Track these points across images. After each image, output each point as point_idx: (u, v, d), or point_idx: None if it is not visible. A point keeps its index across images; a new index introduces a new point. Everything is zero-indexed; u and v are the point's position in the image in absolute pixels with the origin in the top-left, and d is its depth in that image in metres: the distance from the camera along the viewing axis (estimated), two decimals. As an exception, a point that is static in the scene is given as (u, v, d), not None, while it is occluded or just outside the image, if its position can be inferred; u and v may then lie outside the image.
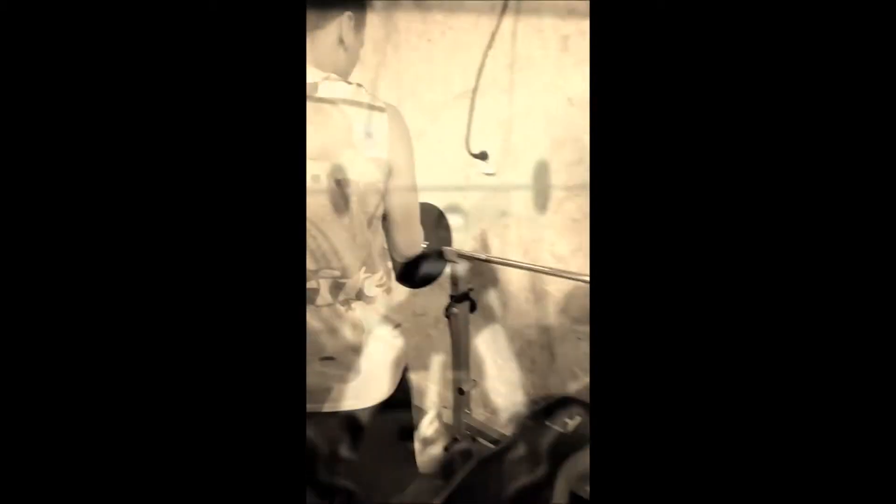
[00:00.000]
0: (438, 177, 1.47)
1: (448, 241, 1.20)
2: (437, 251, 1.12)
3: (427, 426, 1.44)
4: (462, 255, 1.10)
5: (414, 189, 0.75)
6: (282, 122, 0.35)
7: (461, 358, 1.18)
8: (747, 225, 0.30)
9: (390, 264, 0.84)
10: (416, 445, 1.42)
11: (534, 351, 1.39)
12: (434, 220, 1.18)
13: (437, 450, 1.40)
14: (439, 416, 1.51)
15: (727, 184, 0.30)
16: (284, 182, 0.35)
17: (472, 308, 1.18)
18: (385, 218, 0.74)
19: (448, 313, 1.16)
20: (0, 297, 0.29)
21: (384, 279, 0.76)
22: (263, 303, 0.34)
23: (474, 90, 1.16)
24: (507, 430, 1.55)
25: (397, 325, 0.81)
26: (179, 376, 0.33)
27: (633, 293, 0.32)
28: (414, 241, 0.81)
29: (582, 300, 1.19)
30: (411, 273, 1.13)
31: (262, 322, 0.34)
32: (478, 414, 1.64)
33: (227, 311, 0.34)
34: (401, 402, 0.91)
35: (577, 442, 0.92)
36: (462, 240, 1.44)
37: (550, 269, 0.94)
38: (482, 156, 1.26)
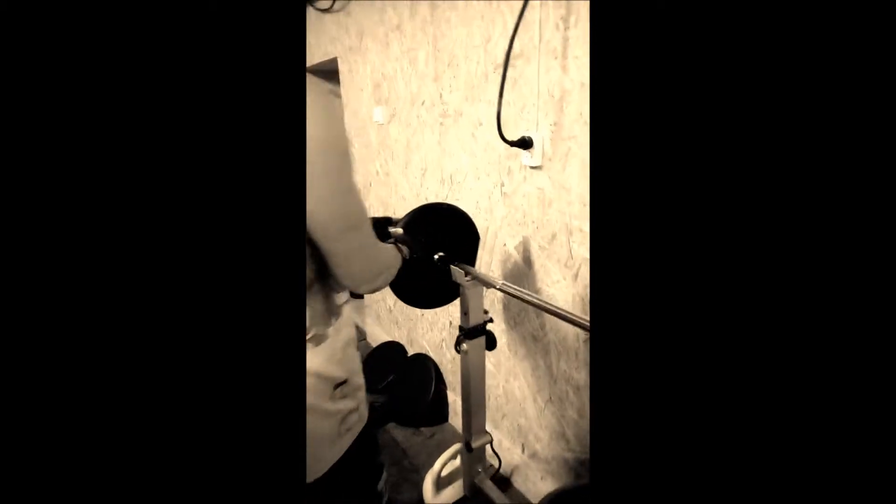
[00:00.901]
0: (471, 170, 1.19)
1: (471, 254, 0.93)
2: (446, 267, 0.87)
3: (442, 465, 1.22)
4: (475, 276, 0.83)
5: (349, 197, 0.50)
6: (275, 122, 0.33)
7: (471, 407, 0.93)
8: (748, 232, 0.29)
9: (341, 300, 0.61)
10: (429, 486, 1.22)
11: (583, 398, 1.07)
12: (458, 226, 0.93)
13: (452, 493, 1.18)
14: (461, 452, 1.28)
15: (727, 184, 0.29)
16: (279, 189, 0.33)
17: (490, 345, 0.91)
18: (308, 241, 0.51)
19: (458, 349, 0.91)
20: None
21: (308, 325, 0.54)
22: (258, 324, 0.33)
23: (507, 56, 0.85)
24: (546, 486, 1.27)
25: (339, 384, 0.59)
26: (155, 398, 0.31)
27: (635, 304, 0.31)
28: (360, 273, 0.57)
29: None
30: (415, 292, 0.90)
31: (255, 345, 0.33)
32: (513, 454, 1.37)
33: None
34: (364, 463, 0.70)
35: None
36: (494, 252, 1.16)
37: (576, 316, 0.63)
38: (523, 143, 0.96)
